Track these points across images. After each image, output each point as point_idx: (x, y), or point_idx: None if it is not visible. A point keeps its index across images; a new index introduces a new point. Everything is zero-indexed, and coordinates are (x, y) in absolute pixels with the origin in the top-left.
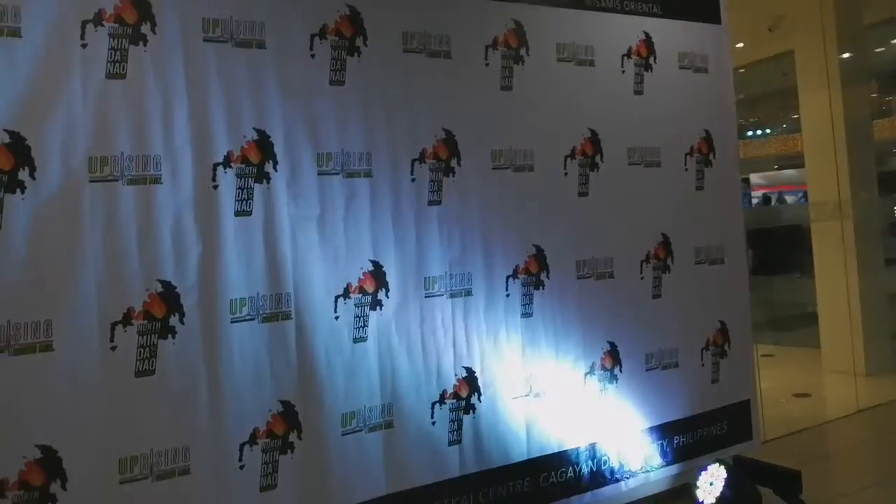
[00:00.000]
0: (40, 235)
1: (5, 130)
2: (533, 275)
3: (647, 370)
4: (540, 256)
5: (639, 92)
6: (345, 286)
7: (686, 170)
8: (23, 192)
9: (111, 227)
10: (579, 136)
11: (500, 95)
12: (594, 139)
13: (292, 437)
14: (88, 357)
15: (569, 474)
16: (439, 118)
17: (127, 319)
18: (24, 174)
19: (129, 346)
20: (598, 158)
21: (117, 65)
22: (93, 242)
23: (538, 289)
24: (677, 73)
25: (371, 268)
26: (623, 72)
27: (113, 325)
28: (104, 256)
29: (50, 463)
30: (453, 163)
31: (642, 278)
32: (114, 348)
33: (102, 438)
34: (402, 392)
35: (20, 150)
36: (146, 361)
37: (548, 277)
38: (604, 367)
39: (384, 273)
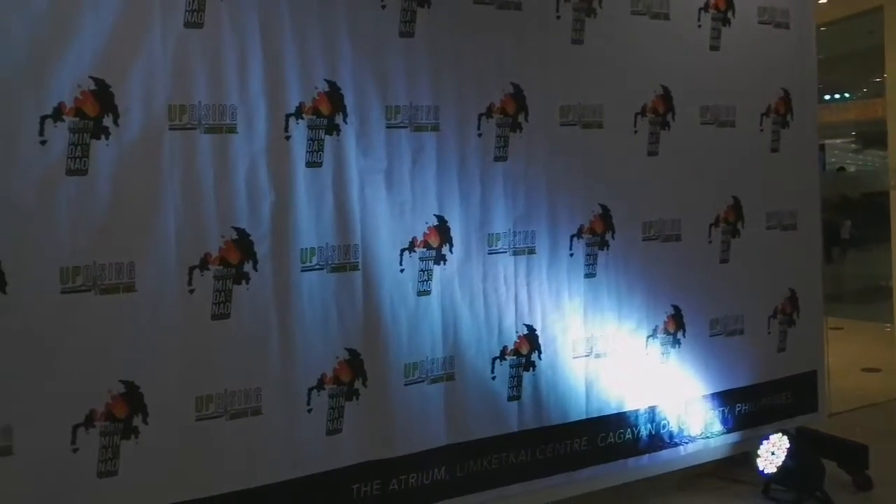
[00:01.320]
0: (123, 180)
1: (91, 78)
2: (598, 235)
3: (711, 336)
4: (606, 216)
5: (715, 48)
6: (410, 240)
7: (761, 130)
8: (107, 137)
9: (189, 175)
10: (651, 92)
11: (570, 49)
12: (666, 96)
13: (357, 384)
14: (168, 299)
15: (627, 436)
16: (508, 72)
17: (204, 264)
18: (108, 121)
19: (206, 289)
20: (669, 116)
21: (195, 14)
22: (172, 189)
23: (602, 249)
24: (756, 29)
25: (436, 222)
26: (699, 26)
27: (191, 270)
28: (183, 203)
29: (133, 397)
30: (520, 118)
31: (710, 242)
32: (192, 291)
33: (181, 377)
34: (463, 346)
35: (105, 97)
36: (222, 305)
37: (613, 238)
38: (667, 331)
39: (448, 228)
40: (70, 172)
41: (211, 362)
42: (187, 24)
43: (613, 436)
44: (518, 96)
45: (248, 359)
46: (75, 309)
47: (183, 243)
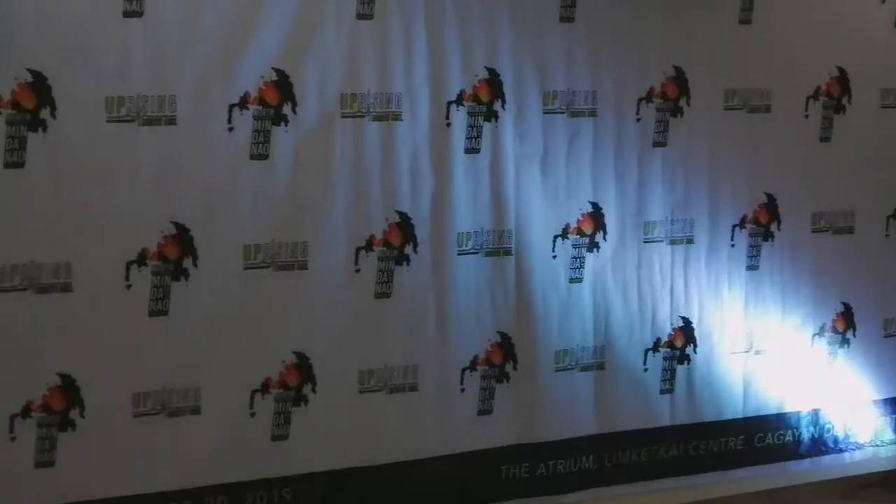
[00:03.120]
0: (300, 165)
1: (273, 69)
2: (762, 225)
3: (885, 337)
4: (771, 206)
5: None
6: (563, 226)
7: None
8: (286, 125)
9: (358, 160)
10: (825, 74)
11: (737, 30)
12: (842, 78)
13: (508, 367)
14: (336, 277)
15: (787, 438)
16: (669, 55)
17: (369, 246)
18: (287, 109)
19: (371, 270)
20: (845, 100)
21: (366, 6)
22: (343, 173)
23: (767, 240)
24: None
25: (590, 209)
26: (882, 1)
27: (357, 251)
28: (352, 186)
29: (303, 368)
30: (682, 102)
31: (887, 235)
32: (358, 271)
33: (348, 352)
34: (615, 335)
35: (285, 86)
36: (384, 285)
37: (778, 229)
38: (835, 330)
39: (603, 215)
40: (253, 157)
41: (373, 338)
42: (359, 16)
43: (772, 437)
44: (680, 79)
45: (407, 337)
46: (256, 284)
47: (351, 225)
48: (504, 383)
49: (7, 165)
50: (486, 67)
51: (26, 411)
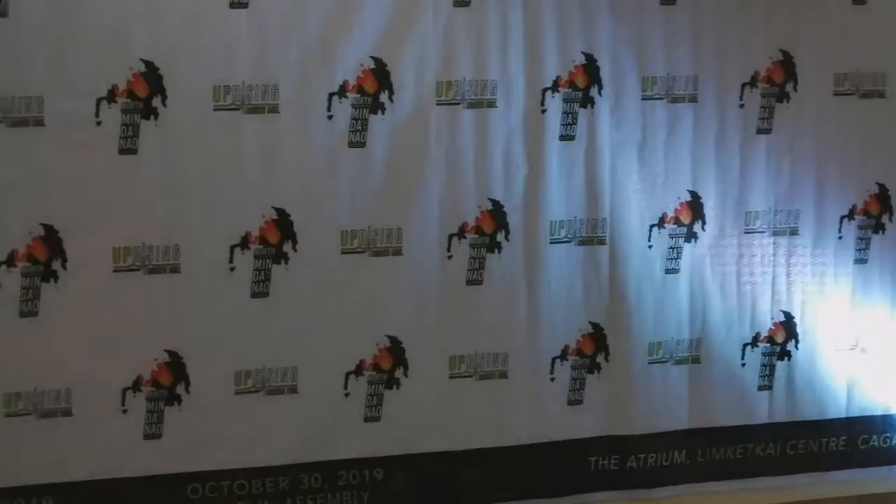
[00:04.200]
0: (395, 152)
1: (371, 57)
2: (873, 217)
3: None
4: (883, 196)
5: None
6: (660, 215)
7: None
8: (383, 113)
9: (452, 148)
10: None
11: (849, 11)
12: None
13: (600, 358)
14: (429, 264)
15: (894, 441)
16: (775, 38)
17: (461, 233)
18: (384, 97)
19: (463, 257)
20: None
21: None
22: (437, 160)
23: (878, 232)
24: None
25: (688, 198)
26: None
27: (450, 237)
28: (446, 174)
29: (396, 352)
30: (788, 87)
31: None
32: (450, 257)
33: (439, 337)
34: (711, 329)
35: (382, 74)
36: (475, 272)
37: (891, 220)
38: None
39: (702, 204)
40: (351, 145)
41: (464, 325)
42: (456, 3)
43: (878, 439)
44: (787, 63)
45: (498, 325)
46: (352, 268)
47: (444, 212)
48: (595, 374)
49: (121, 152)
50: (583, 53)
51: (136, 385)
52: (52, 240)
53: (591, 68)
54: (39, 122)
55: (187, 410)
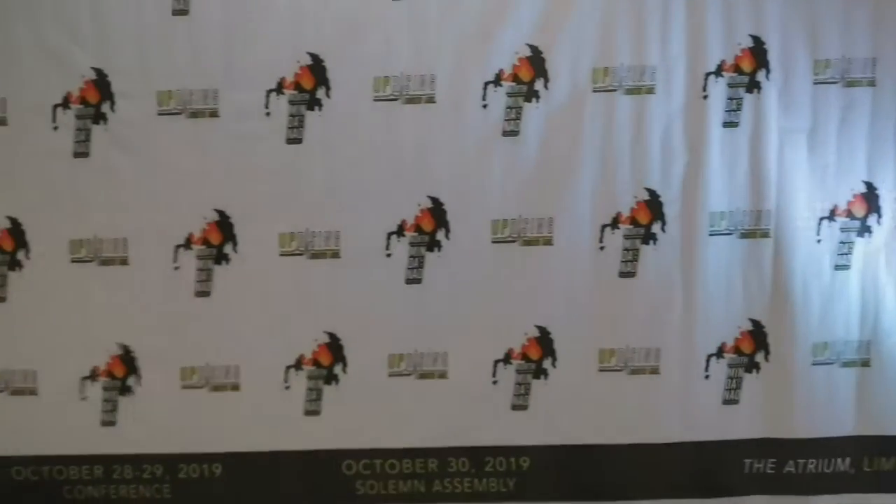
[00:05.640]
0: (548, 141)
1: (528, 45)
2: None
3: None
4: None
5: None
6: (831, 207)
7: None
8: (537, 101)
9: (607, 136)
10: None
11: None
12: None
13: (759, 357)
14: (580, 255)
15: None
16: None
17: (615, 223)
18: (539, 85)
19: (615, 248)
20: None
21: None
22: (591, 148)
23: None
24: None
25: (863, 189)
26: None
27: (602, 228)
28: (600, 162)
29: (545, 342)
30: None
31: None
32: (602, 248)
33: (589, 329)
34: (884, 330)
35: (538, 62)
36: (629, 264)
37: None
38: None
39: (878, 196)
40: (505, 134)
41: (615, 318)
42: None
43: None
44: None
45: (651, 319)
46: (502, 258)
47: (598, 202)
48: (753, 373)
49: (288, 141)
50: (750, 35)
51: (298, 364)
52: (224, 224)
53: (758, 51)
54: (214, 114)
55: (343, 390)
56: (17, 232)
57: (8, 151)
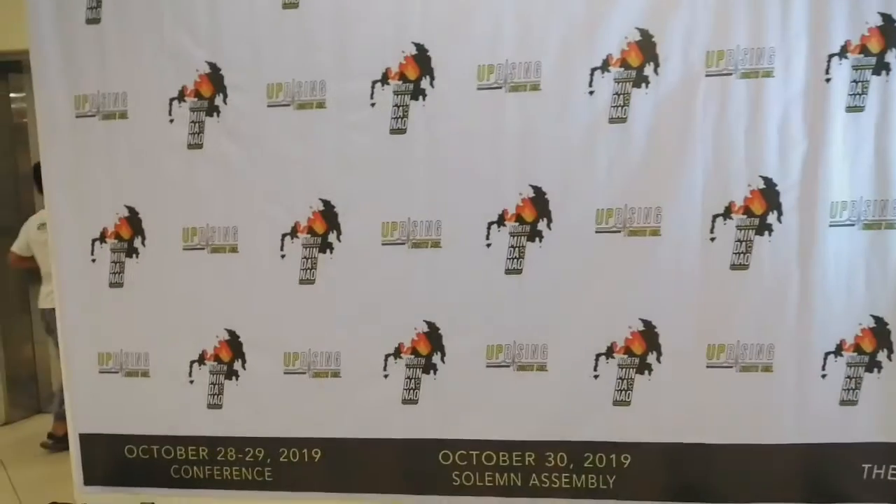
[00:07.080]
0: (658, 128)
1: (637, 29)
2: None
3: None
4: None
5: None
6: None
7: None
8: (646, 86)
9: (721, 122)
10: None
11: None
12: None
13: (881, 356)
14: (690, 245)
15: None
16: None
17: (727, 213)
18: (648, 69)
19: (727, 239)
20: None
21: None
22: (703, 135)
23: None
24: None
25: None
26: None
27: (714, 218)
28: (712, 150)
29: (650, 336)
30: None
31: None
32: (713, 239)
33: (696, 322)
34: None
35: (647, 46)
36: (741, 256)
37: None
38: None
39: None
40: (612, 121)
41: (726, 312)
42: None
43: None
44: None
45: (764, 314)
46: (605, 248)
47: (709, 191)
48: (874, 373)
49: (392, 132)
50: (878, 13)
51: (398, 352)
52: (329, 214)
53: (888, 30)
54: (321, 105)
55: (442, 380)
56: (134, 220)
57: (127, 143)
